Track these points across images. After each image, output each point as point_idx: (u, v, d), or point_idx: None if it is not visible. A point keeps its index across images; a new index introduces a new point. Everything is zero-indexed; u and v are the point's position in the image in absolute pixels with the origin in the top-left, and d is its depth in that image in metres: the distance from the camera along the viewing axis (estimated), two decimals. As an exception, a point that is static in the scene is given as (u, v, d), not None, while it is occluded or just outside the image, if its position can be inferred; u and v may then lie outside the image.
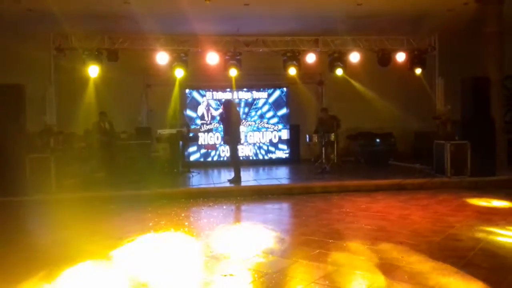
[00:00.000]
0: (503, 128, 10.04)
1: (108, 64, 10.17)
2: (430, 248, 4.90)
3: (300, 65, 10.76)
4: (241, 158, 11.41)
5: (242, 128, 11.45)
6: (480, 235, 5.42)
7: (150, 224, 6.32)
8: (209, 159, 12.82)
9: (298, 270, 4.32)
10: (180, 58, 10.29)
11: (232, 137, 9.44)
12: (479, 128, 9.34)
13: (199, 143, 12.56)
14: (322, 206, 7.37)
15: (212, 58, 10.42)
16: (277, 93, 13.10)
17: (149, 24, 10.01)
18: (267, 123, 13.05)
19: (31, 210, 7.59)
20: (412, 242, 5.12)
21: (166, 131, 10.65)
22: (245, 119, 12.72)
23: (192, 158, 12.59)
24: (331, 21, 10.54)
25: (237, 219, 6.84)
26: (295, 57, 10.66)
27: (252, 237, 5.62)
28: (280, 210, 7.59)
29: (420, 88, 11.01)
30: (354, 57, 10.80)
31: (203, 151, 12.80)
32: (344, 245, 5.10)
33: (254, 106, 13.03)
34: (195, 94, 12.78)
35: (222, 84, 12.34)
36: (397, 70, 11.09)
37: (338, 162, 10.86)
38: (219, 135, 12.60)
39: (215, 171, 11.48)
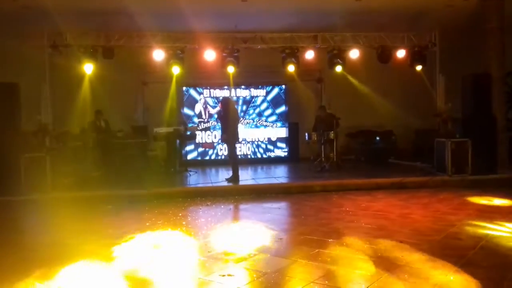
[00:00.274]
0: (505, 126, 9.96)
1: (103, 62, 10.09)
2: (431, 247, 4.85)
3: (299, 62, 10.68)
4: (239, 156, 11.32)
5: (240, 126, 11.35)
6: (481, 233, 5.37)
7: (147, 223, 6.25)
8: (207, 157, 12.73)
9: (297, 269, 4.26)
10: (177, 55, 10.20)
11: (230, 136, 9.34)
12: (480, 125, 9.28)
13: (197, 141, 12.47)
14: (322, 205, 7.29)
15: (210, 55, 10.35)
16: (276, 90, 13.01)
17: (145, 21, 9.89)
18: (265, 121, 12.96)
19: (27, 210, 7.52)
20: (412, 241, 5.06)
21: (162, 130, 10.56)
22: (243, 117, 12.62)
23: (190, 156, 12.50)
24: (330, 17, 10.44)
25: (235, 219, 6.77)
26: (294, 54, 10.57)
27: (250, 236, 5.53)
28: (278, 209, 7.49)
29: (420, 85, 10.95)
30: (354, 53, 10.72)
31: (200, 149, 12.71)
32: (344, 244, 5.03)
33: (252, 104, 12.94)
34: (192, 91, 12.68)
35: (219, 81, 12.25)
36: (397, 67, 11.00)
37: (338, 161, 10.77)
38: (216, 133, 12.50)
39: (213, 170, 11.40)
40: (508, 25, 9.88)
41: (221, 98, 12.33)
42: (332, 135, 10.38)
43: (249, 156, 12.85)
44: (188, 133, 11.38)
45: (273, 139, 13.02)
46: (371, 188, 8.57)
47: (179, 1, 9.15)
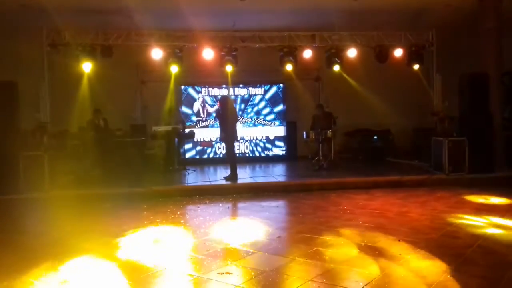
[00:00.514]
0: (502, 125, 9.99)
1: (102, 60, 10.06)
2: (429, 245, 4.87)
3: (297, 61, 10.68)
4: (237, 155, 11.33)
5: (239, 125, 11.34)
6: (478, 232, 5.39)
7: (146, 222, 6.26)
8: (205, 156, 12.74)
9: (295, 268, 4.27)
10: (175, 54, 10.19)
11: (228, 134, 9.36)
12: (477, 124, 9.31)
13: (195, 140, 12.47)
14: (320, 204, 7.31)
15: (208, 54, 10.33)
16: (274, 89, 13.01)
17: (143, 20, 9.90)
18: (263, 120, 12.97)
19: (25, 209, 7.50)
20: (410, 239, 5.09)
21: (161, 128, 10.56)
22: (241, 115, 12.63)
23: (188, 155, 12.50)
24: (328, 16, 10.44)
25: (233, 217, 6.78)
26: (292, 53, 10.57)
27: (248, 234, 5.54)
28: (276, 207, 7.51)
29: (418, 84, 10.97)
30: (351, 53, 10.72)
31: (199, 148, 12.72)
32: (341, 242, 5.05)
33: (251, 103, 12.94)
34: (191, 90, 12.68)
35: (218, 80, 12.24)
36: (394, 66, 11.00)
37: (335, 159, 10.79)
38: (215, 131, 12.50)
39: (211, 169, 11.40)
40: (505, 24, 9.92)
41: (219, 96, 12.35)
42: (329, 133, 10.39)
43: (247, 155, 12.85)
44: (186, 131, 11.38)
45: (271, 137, 13.03)
46: (369, 186, 8.60)
47: (177, 0, 9.16)
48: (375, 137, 12.54)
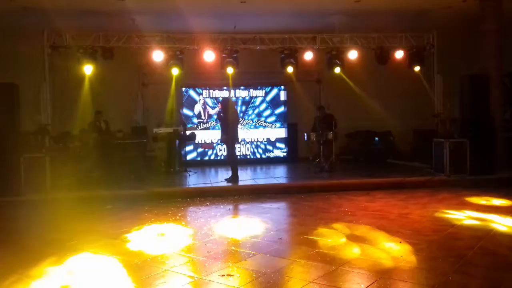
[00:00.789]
0: (503, 126, 9.99)
1: (103, 63, 10.07)
2: (430, 247, 4.87)
3: (298, 63, 10.69)
4: (238, 157, 11.33)
5: (240, 127, 11.36)
6: (480, 233, 5.37)
7: (147, 223, 6.26)
8: (206, 158, 12.74)
9: (297, 269, 4.27)
10: (176, 56, 10.20)
11: (229, 136, 9.36)
12: (478, 126, 9.30)
13: (196, 142, 12.48)
14: (321, 205, 7.31)
15: (209, 56, 10.34)
16: (275, 91, 13.03)
17: (144, 22, 9.92)
18: (264, 122, 12.98)
19: (26, 210, 7.49)
20: (411, 241, 5.08)
21: (162, 130, 10.56)
22: (242, 117, 12.63)
23: (189, 157, 12.50)
24: (329, 18, 10.47)
25: (235, 219, 6.75)
26: (293, 55, 10.58)
27: (249, 236, 5.53)
28: (278, 209, 7.50)
29: (418, 86, 10.95)
30: (352, 54, 10.72)
31: (200, 150, 12.72)
32: (343, 244, 5.05)
33: (252, 105, 12.95)
34: (192, 92, 12.69)
35: (219, 82, 12.26)
36: (395, 68, 11.01)
37: (336, 161, 10.79)
38: (216, 133, 12.51)
39: (212, 170, 11.40)
40: (506, 26, 9.92)
41: (220, 98, 12.36)
42: (330, 135, 10.39)
43: (248, 157, 12.86)
44: (188, 133, 11.38)
45: (272, 139, 13.03)
46: (370, 188, 8.58)
47: (178, 2, 9.18)
48: (376, 138, 12.54)
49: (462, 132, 9.51)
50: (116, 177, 9.44)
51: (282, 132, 13.04)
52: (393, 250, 4.77)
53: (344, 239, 5.25)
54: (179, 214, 6.91)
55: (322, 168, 10.32)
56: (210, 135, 12.73)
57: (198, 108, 12.72)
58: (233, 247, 5.07)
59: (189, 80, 12.21)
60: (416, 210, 6.79)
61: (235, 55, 10.44)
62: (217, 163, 12.39)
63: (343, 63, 10.84)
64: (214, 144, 12.74)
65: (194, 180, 9.72)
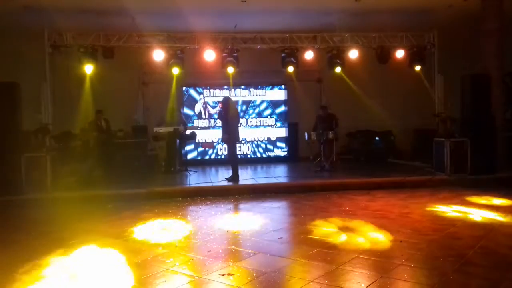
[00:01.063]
0: (503, 126, 9.97)
1: (103, 62, 10.09)
2: (430, 246, 4.88)
3: (299, 62, 10.69)
4: (239, 156, 11.33)
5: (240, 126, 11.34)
6: (480, 233, 5.37)
7: (147, 223, 6.26)
8: (207, 157, 12.74)
9: (297, 269, 4.28)
10: (177, 55, 10.20)
11: (230, 136, 9.36)
12: (479, 125, 9.30)
13: (197, 141, 12.48)
14: (321, 205, 7.31)
15: (209, 55, 10.34)
16: (275, 90, 13.02)
17: (145, 21, 9.92)
18: (265, 121, 12.98)
19: (27, 210, 7.50)
20: (412, 240, 5.08)
21: (162, 129, 10.56)
22: (243, 117, 12.63)
23: (190, 156, 12.50)
24: (329, 17, 10.46)
25: (235, 218, 6.75)
26: (293, 54, 10.58)
27: (250, 236, 5.54)
28: (278, 208, 7.51)
29: (419, 85, 10.96)
30: (353, 54, 10.72)
31: (200, 149, 12.73)
32: (343, 243, 5.04)
33: (252, 104, 12.95)
34: (192, 91, 12.69)
35: (219, 81, 12.26)
36: (396, 67, 11.01)
37: (337, 160, 10.79)
38: (216, 133, 12.51)
39: (213, 170, 11.40)
40: (507, 25, 9.91)
41: (222, 98, 12.35)
42: (331, 135, 10.39)
43: (248, 156, 12.86)
44: (188, 132, 11.39)
45: (273, 138, 13.03)
46: (371, 187, 8.58)
47: (179, 1, 9.17)
48: (377, 138, 12.53)
49: (462, 132, 9.51)
50: (116, 176, 9.46)
51: (282, 132, 13.04)
52: (394, 250, 4.77)
53: (345, 239, 5.24)
54: (180, 213, 6.91)
55: (323, 168, 10.32)
56: (210, 134, 12.73)
57: (198, 107, 12.72)
58: (233, 247, 5.08)
59: (190, 79, 12.21)
60: (416, 209, 6.80)
61: (235, 54, 10.45)
62: (217, 162, 12.39)
63: (344, 63, 10.84)
64: (215, 144, 12.74)
65: (194, 180, 9.72)
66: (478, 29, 10.03)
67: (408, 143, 12.78)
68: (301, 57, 10.72)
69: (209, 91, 12.73)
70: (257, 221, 6.31)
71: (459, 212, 6.58)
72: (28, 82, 8.88)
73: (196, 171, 10.77)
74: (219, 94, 12.61)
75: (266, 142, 13.01)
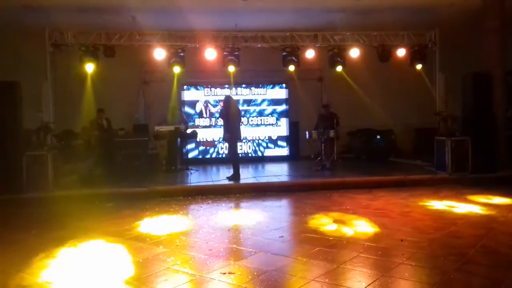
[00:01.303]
0: (505, 125, 9.96)
1: (104, 61, 10.09)
2: (431, 245, 4.87)
3: (300, 61, 10.68)
4: (240, 155, 11.33)
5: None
6: (481, 232, 5.37)
7: (148, 221, 6.27)
8: (208, 156, 12.75)
9: (298, 268, 4.28)
10: (178, 54, 10.20)
11: (232, 135, 9.36)
12: (480, 124, 9.29)
13: (198, 140, 12.48)
14: (322, 203, 7.30)
15: (210, 54, 10.34)
16: (276, 89, 13.02)
17: (146, 20, 9.92)
18: (266, 120, 12.98)
19: (28, 208, 7.51)
20: (413, 239, 5.08)
21: (163, 128, 10.57)
22: (244, 115, 12.63)
23: (191, 155, 12.51)
24: (330, 16, 10.45)
25: (236, 217, 6.76)
26: (294, 53, 10.58)
27: (251, 234, 5.54)
28: (279, 207, 7.51)
29: (420, 84, 10.95)
30: (354, 52, 10.71)
31: (201, 148, 12.73)
32: (344, 242, 5.04)
33: (253, 103, 12.95)
34: (193, 90, 12.69)
35: (220, 80, 12.26)
36: (397, 66, 11.00)
37: (338, 159, 10.79)
38: (218, 132, 12.52)
39: (214, 168, 11.41)
40: (509, 24, 9.88)
41: (223, 97, 12.35)
42: (332, 134, 10.39)
43: (249, 155, 12.86)
44: (189, 131, 11.39)
45: (274, 137, 13.03)
46: (372, 186, 8.58)
47: (180, 0, 9.17)
48: (378, 136, 12.53)
49: (464, 130, 9.50)
50: (117, 175, 9.47)
51: (283, 130, 13.04)
52: (395, 248, 4.76)
53: (346, 238, 5.24)
54: (181, 212, 6.92)
55: (324, 166, 10.32)
56: (211, 133, 12.73)
57: (199, 106, 12.73)
58: (234, 245, 5.08)
59: (191, 78, 12.22)
60: (417, 208, 6.80)
61: (236, 53, 10.44)
62: (218, 161, 12.40)
63: (345, 61, 10.83)
64: (216, 142, 12.75)
65: (195, 178, 9.73)
66: (480, 28, 10.01)
67: (409, 142, 12.78)
68: (302, 55, 10.72)
69: (210, 90, 12.73)
70: (258, 220, 6.31)
71: (460, 210, 6.59)
72: (29, 81, 8.88)
73: (197, 170, 10.78)
74: (220, 93, 12.62)
75: (267, 141, 13.01)
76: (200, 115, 12.72)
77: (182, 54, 10.30)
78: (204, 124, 12.69)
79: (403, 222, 5.96)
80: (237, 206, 7.55)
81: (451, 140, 9.30)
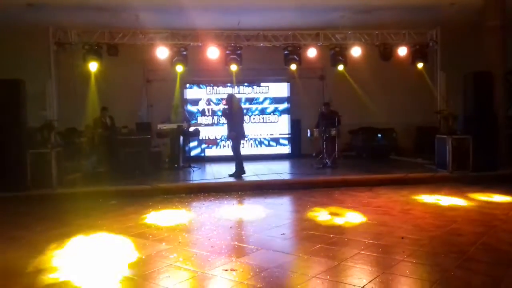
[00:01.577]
0: (506, 123, 9.98)
1: (108, 59, 10.13)
2: (432, 243, 4.89)
3: (301, 59, 10.71)
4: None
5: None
6: (482, 229, 5.39)
7: (151, 219, 6.31)
8: (210, 154, 12.79)
9: (299, 265, 4.31)
10: (180, 52, 10.24)
11: (236, 133, 9.40)
12: (481, 123, 9.31)
13: (200, 138, 12.53)
14: (324, 201, 7.33)
15: (213, 52, 10.37)
16: (278, 87, 13.05)
17: (149, 19, 9.96)
18: (268, 118, 13.01)
19: (32, 206, 7.56)
20: (413, 237, 5.10)
21: (166, 126, 10.62)
22: (246, 114, 12.67)
23: (193, 153, 12.56)
24: (332, 14, 10.47)
25: (238, 214, 6.81)
26: (296, 52, 10.60)
27: (253, 231, 5.59)
28: (281, 205, 7.56)
29: (422, 83, 10.97)
30: (356, 51, 10.73)
31: (204, 146, 12.78)
32: (345, 239, 5.08)
33: (255, 101, 12.99)
34: (196, 88, 12.74)
35: (223, 79, 12.32)
36: (398, 64, 11.01)
37: (339, 157, 10.82)
38: (220, 130, 12.56)
39: (216, 166, 11.44)
40: (510, 23, 9.89)
41: (226, 95, 12.40)
42: (333, 132, 10.42)
43: (251, 153, 12.89)
44: (191, 129, 11.44)
45: (276, 135, 13.07)
46: (373, 184, 8.61)
47: (182, -1, 9.22)
48: (379, 135, 12.56)
49: (465, 129, 9.52)
50: (120, 173, 9.52)
51: (285, 129, 13.08)
52: (395, 246, 4.79)
53: (347, 235, 5.27)
54: (183, 209, 6.96)
55: (325, 164, 10.36)
56: (214, 131, 12.78)
57: (202, 104, 12.77)
58: (236, 242, 5.12)
59: (193, 76, 12.26)
60: (418, 206, 6.83)
61: (238, 51, 10.47)
62: (221, 159, 12.43)
63: (347, 60, 10.84)
64: (218, 140, 12.80)
65: (198, 176, 9.77)
66: (481, 27, 10.03)
67: (410, 140, 12.80)
68: (304, 54, 10.74)
69: (213, 89, 12.78)
70: (260, 217, 6.36)
71: (461, 208, 6.63)
72: (33, 80, 8.94)
73: (200, 168, 10.83)
74: (223, 91, 12.66)
75: (269, 139, 13.05)
76: (203, 113, 12.77)
77: (184, 52, 10.34)
78: (206, 122, 12.74)
79: (404, 219, 5.98)
80: (239, 203, 7.59)
81: (452, 139, 9.33)
